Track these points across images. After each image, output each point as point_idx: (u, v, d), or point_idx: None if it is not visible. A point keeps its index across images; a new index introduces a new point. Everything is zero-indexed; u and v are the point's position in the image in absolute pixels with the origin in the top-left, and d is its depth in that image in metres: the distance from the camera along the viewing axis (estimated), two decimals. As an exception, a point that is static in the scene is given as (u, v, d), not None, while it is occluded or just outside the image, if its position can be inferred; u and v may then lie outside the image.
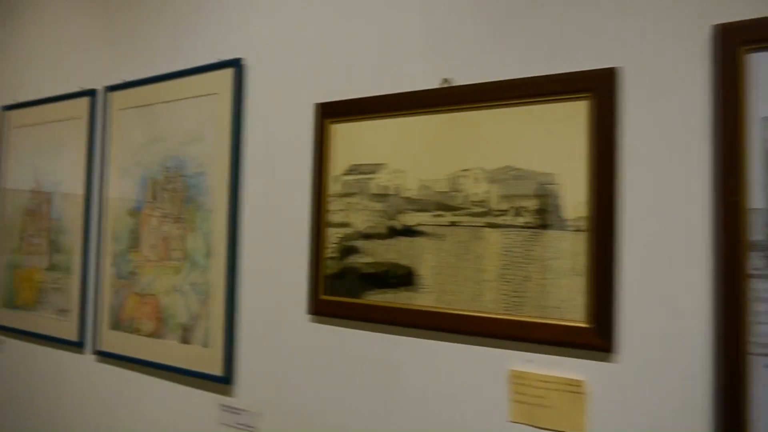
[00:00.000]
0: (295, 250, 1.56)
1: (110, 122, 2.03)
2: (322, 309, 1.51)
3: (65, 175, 2.17)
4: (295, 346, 1.56)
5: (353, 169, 1.48)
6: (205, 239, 1.73)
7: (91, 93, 2.11)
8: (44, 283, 2.21)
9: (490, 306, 1.27)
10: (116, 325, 1.95)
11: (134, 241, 1.92)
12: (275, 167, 1.63)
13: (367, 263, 1.44)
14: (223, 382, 1.67)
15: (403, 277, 1.39)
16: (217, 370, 1.68)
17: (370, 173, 1.45)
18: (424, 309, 1.35)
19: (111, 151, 2.02)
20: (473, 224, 1.30)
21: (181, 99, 1.83)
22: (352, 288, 1.46)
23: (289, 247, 1.58)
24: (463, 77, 1.34)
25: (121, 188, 1.98)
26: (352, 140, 1.49)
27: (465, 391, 1.30)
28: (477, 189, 1.30)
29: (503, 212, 1.27)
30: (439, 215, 1.35)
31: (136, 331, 1.89)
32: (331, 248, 1.50)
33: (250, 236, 1.66)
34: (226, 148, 1.70)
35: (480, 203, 1.30)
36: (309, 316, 1.53)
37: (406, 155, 1.40)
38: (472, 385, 1.29)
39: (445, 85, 1.37)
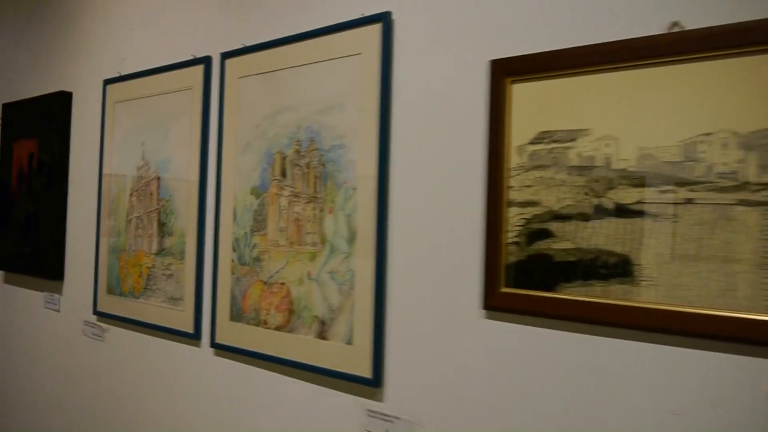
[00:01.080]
0: (462, 233, 1.34)
1: (228, 92, 1.84)
2: (501, 303, 1.28)
3: (176, 152, 2.00)
4: (463, 346, 1.33)
5: (543, 137, 1.23)
6: (347, 221, 1.51)
7: (204, 61, 1.92)
8: (153, 268, 2.05)
9: (745, 304, 1.01)
10: (237, 316, 1.76)
11: (259, 223, 1.73)
12: (435, 137, 1.40)
13: (563, 249, 1.19)
14: (370, 384, 1.46)
15: (616, 267, 1.14)
16: (363, 370, 1.47)
17: (567, 141, 1.20)
18: (647, 306, 1.11)
19: (229, 124, 1.83)
20: (720, 201, 1.04)
21: (314, 62, 1.63)
22: (542, 279, 1.22)
23: (455, 231, 1.35)
24: (697, 20, 1.07)
25: (241, 165, 1.78)
26: (541, 102, 1.24)
27: (705, 411, 1.04)
28: (725, 158, 1.04)
29: (764, 186, 1.00)
30: (668, 191, 1.09)
31: (261, 323, 1.70)
32: (513, 231, 1.26)
33: (403, 217, 1.44)
34: (372, 117, 1.48)
35: (729, 175, 1.03)
36: (483, 312, 1.30)
37: (618, 118, 1.15)
38: (718, 405, 1.03)
39: (675, 30, 1.11)
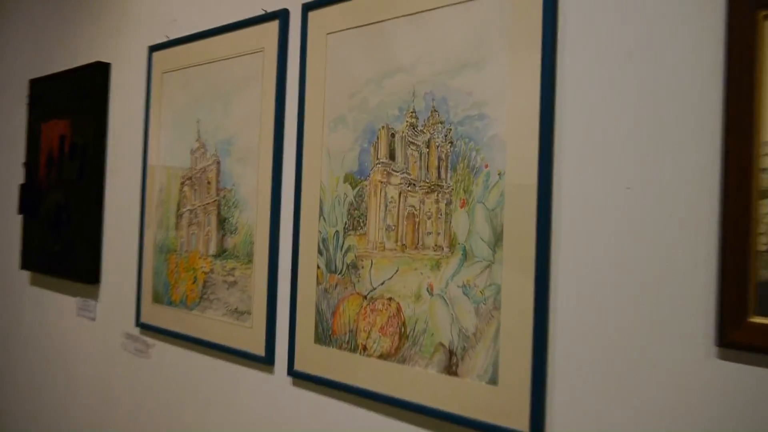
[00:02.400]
0: (681, 235, 0.93)
1: (312, 53, 1.45)
2: (750, 339, 0.88)
3: (241, 130, 1.61)
4: (679, 399, 0.96)
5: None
6: (489, 218, 1.11)
7: (280, 15, 1.52)
8: (212, 274, 1.66)
9: None
10: (325, 337, 1.37)
11: (356, 219, 1.33)
12: (635, 98, 0.99)
13: None
14: (525, 440, 1.05)
15: None
16: (515, 420, 1.08)
17: None
18: None
19: (313, 93, 1.44)
20: None
21: (438, 7, 1.21)
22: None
23: (669, 232, 0.95)
24: None
25: (331, 145, 1.39)
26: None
27: None
28: None
29: None
30: None
31: (359, 349, 1.31)
32: (773, 235, 0.84)
33: (578, 212, 1.06)
34: (529, 75, 1.08)
35: None
36: (717, 350, 0.89)
37: None
38: None
39: None
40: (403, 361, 1.27)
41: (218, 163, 1.71)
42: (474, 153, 1.18)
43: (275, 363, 1.55)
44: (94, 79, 2.16)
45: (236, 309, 1.64)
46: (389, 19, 1.33)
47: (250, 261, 1.60)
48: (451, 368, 1.20)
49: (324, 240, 1.43)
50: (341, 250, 1.40)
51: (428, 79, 1.26)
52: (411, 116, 1.28)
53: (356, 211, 1.37)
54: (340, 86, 1.42)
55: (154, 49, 1.96)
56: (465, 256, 1.18)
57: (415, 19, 1.28)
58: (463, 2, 1.20)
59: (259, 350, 1.57)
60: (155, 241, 1.91)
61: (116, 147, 2.12)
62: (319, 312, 1.44)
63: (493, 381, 1.13)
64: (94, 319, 2.18)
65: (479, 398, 1.15)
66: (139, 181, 1.98)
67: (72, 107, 2.25)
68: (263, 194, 1.57)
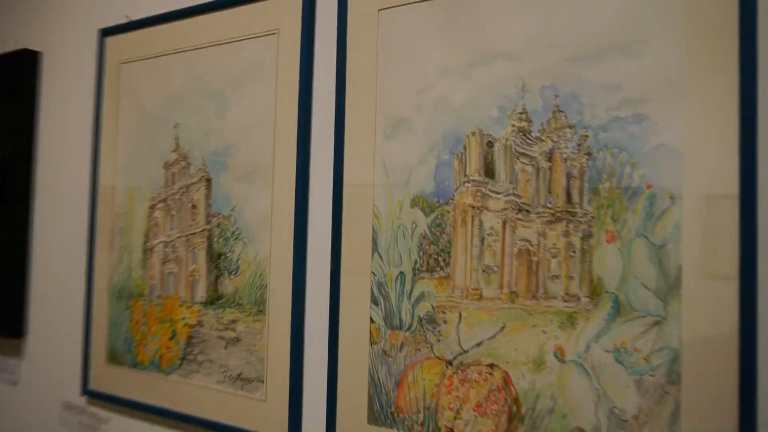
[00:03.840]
0: None
1: (356, 35, 1.08)
2: None
3: (244, 138, 1.23)
4: None
5: None
6: (656, 258, 0.80)
7: None
8: (200, 327, 1.25)
9: None
10: (384, 417, 1.02)
11: (432, 257, 0.97)
12: None
13: None
14: None
15: None
16: None
17: None
18: None
19: (358, 86, 1.07)
20: None
21: None
22: None
23: None
24: None
25: (389, 156, 1.04)
26: None
27: None
28: None
29: None
30: None
31: None
32: None
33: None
34: (719, 61, 0.76)
35: None
36: None
37: None
38: None
39: None
40: (515, 452, 0.91)
41: (208, 180, 1.30)
42: (628, 168, 0.85)
43: (303, 449, 1.14)
44: (16, 73, 1.66)
45: (239, 375, 1.22)
46: (474, -10, 0.98)
47: (261, 311, 1.20)
48: (601, 464, 0.85)
49: (381, 285, 1.06)
50: (409, 299, 1.03)
51: (547, 68, 0.93)
52: (520, 118, 0.95)
53: (432, 247, 1.01)
54: (402, 78, 1.06)
55: (106, 33, 1.52)
56: (617, 309, 0.86)
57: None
58: (606, -36, 0.88)
59: (279, 430, 1.15)
60: (111, 282, 1.45)
61: (50, 160, 1.64)
62: (374, 382, 1.06)
63: (673, 485, 0.80)
64: (15, 383, 1.66)
65: None
66: (86, 203, 1.53)
67: (-15, 108, 1.73)
68: (281, 222, 1.18)
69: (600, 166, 0.89)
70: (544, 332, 0.92)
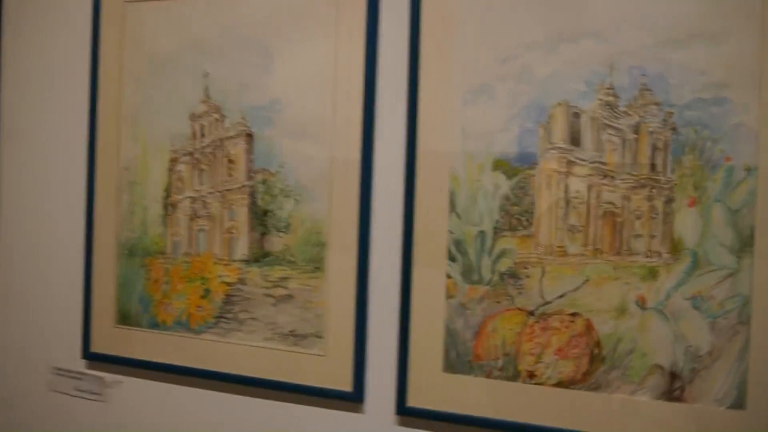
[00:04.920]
0: None
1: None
2: None
3: (294, 93, 1.23)
4: None
5: None
6: (733, 220, 0.99)
7: None
8: (242, 285, 1.26)
9: None
10: (460, 364, 1.14)
11: (514, 217, 1.08)
12: None
13: None
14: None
15: None
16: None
17: None
18: None
19: (434, 50, 1.14)
20: None
21: None
22: None
23: None
24: None
25: (468, 120, 1.12)
26: None
27: None
28: None
29: None
30: None
31: (522, 376, 1.10)
32: None
33: None
34: None
35: None
36: None
37: None
38: None
39: None
40: (595, 387, 1.07)
41: (248, 135, 1.27)
42: (709, 143, 1.01)
43: (365, 399, 1.21)
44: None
45: (292, 332, 1.25)
46: (572, -35, 1.07)
47: (318, 269, 1.23)
48: (672, 393, 1.04)
49: (458, 242, 1.15)
50: (490, 255, 1.13)
51: (635, 49, 1.05)
52: (606, 93, 1.06)
53: (515, 207, 1.11)
54: (483, 47, 1.13)
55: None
56: (696, 263, 1.02)
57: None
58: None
59: (341, 384, 1.22)
60: (118, 239, 1.37)
61: (21, 105, 1.47)
62: (450, 333, 1.15)
63: (738, 405, 1.00)
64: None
65: (717, 425, 1.01)
66: (81, 155, 1.41)
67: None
68: (343, 181, 1.21)
69: (683, 141, 1.03)
70: (627, 284, 1.06)
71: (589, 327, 1.08)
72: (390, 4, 1.19)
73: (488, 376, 1.14)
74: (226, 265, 1.30)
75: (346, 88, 1.21)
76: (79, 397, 1.43)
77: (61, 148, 1.43)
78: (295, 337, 1.26)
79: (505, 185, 1.12)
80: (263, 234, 1.27)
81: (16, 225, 1.49)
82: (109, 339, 1.40)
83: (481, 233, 1.14)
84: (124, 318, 1.39)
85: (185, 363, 1.34)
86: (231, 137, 1.29)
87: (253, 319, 1.28)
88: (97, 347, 1.41)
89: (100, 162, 1.39)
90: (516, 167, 1.11)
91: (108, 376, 1.41)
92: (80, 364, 1.43)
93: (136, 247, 1.37)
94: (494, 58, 1.13)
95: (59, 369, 1.45)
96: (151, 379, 1.38)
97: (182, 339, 1.34)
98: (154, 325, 1.36)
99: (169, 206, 1.35)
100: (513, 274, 1.12)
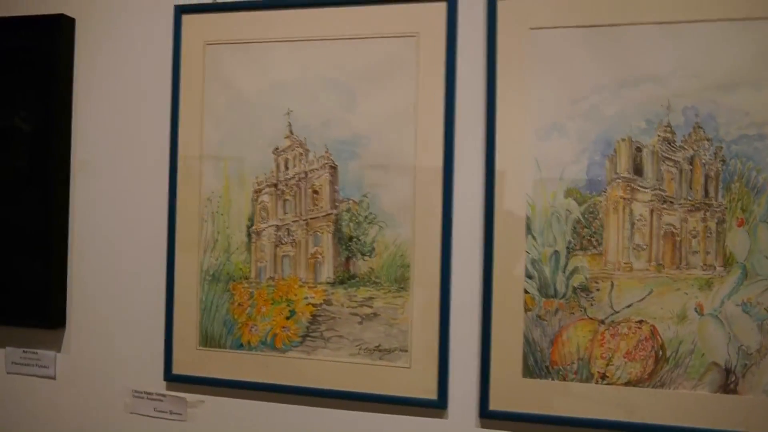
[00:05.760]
0: None
1: (507, 48, 1.33)
2: None
3: (378, 129, 1.39)
4: None
5: None
6: None
7: None
8: (327, 306, 1.39)
9: None
10: (538, 370, 1.31)
11: (585, 238, 1.26)
12: None
13: None
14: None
15: None
16: (811, 430, 1.17)
17: None
18: None
19: (510, 93, 1.32)
20: None
21: (701, 20, 1.24)
22: None
23: None
24: None
25: (542, 154, 1.30)
26: None
27: None
28: None
29: None
30: None
31: (595, 377, 1.28)
32: None
33: None
34: None
35: None
36: None
37: None
38: None
39: None
40: (660, 385, 1.25)
41: (333, 167, 1.41)
42: (754, 173, 1.21)
43: (448, 405, 1.36)
44: (48, 41, 1.55)
45: (377, 347, 1.39)
46: (630, 24, 1.27)
47: (402, 288, 1.37)
48: (727, 387, 1.22)
49: (535, 261, 1.31)
50: (564, 272, 1.30)
51: (688, 93, 1.25)
52: (665, 130, 1.26)
53: (585, 230, 1.29)
54: (555, 90, 1.31)
55: (184, 10, 1.50)
56: (745, 274, 1.22)
57: (669, 29, 1.26)
58: (740, 20, 1.22)
59: (425, 393, 1.37)
60: (202, 266, 1.48)
61: (95, 138, 1.56)
62: (528, 342, 1.31)
63: (786, 395, 1.19)
64: (53, 378, 1.59)
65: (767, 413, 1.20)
66: (162, 190, 1.50)
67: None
68: (426, 208, 1.36)
69: (731, 170, 1.23)
70: (686, 294, 1.25)
71: (653, 332, 1.25)
72: (467, 47, 1.35)
73: (564, 379, 1.30)
74: (311, 287, 1.42)
75: (427, 124, 1.36)
76: (159, 417, 1.50)
77: (142, 180, 1.52)
78: (380, 351, 1.38)
79: (576, 210, 1.29)
80: (348, 258, 1.40)
81: (90, 252, 1.56)
82: (192, 361, 1.48)
83: (556, 253, 1.30)
84: (207, 340, 1.48)
85: (270, 380, 1.44)
86: (315, 169, 1.42)
87: (339, 336, 1.41)
88: (178, 369, 1.49)
89: (181, 193, 1.49)
90: (586, 194, 1.29)
91: (190, 396, 1.49)
92: (161, 386, 1.50)
93: (219, 273, 1.47)
94: (566, 99, 1.30)
95: (138, 391, 1.52)
96: (234, 397, 1.47)
97: (267, 358, 1.44)
98: (239, 346, 1.46)
99: (253, 234, 1.46)
100: (585, 288, 1.29)
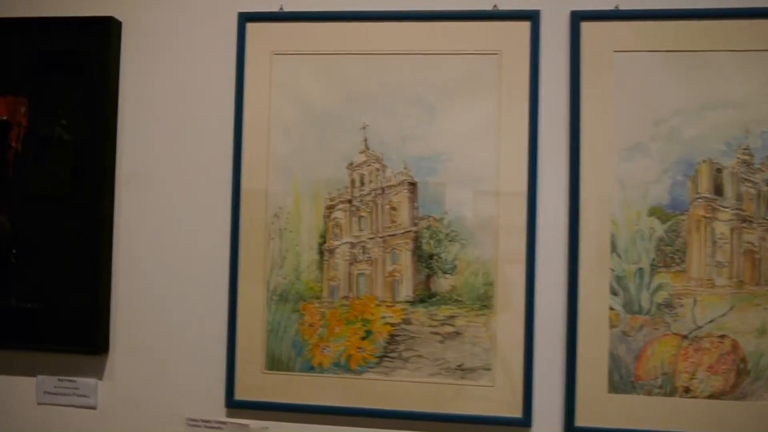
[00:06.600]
0: None
1: (591, 70, 1.37)
2: None
3: (459, 146, 1.39)
4: None
5: None
6: None
7: (532, 17, 1.37)
8: (406, 325, 1.38)
9: None
10: (623, 385, 1.35)
11: (669, 256, 1.32)
12: None
13: None
14: None
15: None
16: None
17: None
18: None
19: (594, 115, 1.36)
20: None
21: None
22: None
23: None
24: None
25: (625, 174, 1.35)
26: None
27: None
28: None
29: None
30: None
31: (679, 391, 1.33)
32: None
33: None
34: None
35: None
36: None
37: None
38: None
39: None
40: (742, 397, 1.32)
41: (412, 184, 1.40)
42: (830, 196, 1.30)
43: (532, 423, 1.37)
44: (94, 44, 1.46)
45: (460, 366, 1.39)
46: (710, 51, 1.34)
47: (485, 306, 1.38)
48: (807, 397, 1.30)
49: (619, 279, 1.35)
50: (648, 289, 1.34)
51: (766, 117, 1.32)
52: (743, 153, 1.33)
53: (668, 248, 1.34)
54: (637, 112, 1.36)
55: (249, 18, 1.45)
56: (820, 289, 1.30)
57: (747, 56, 1.33)
58: (813, 50, 1.31)
59: (511, 411, 1.38)
60: (268, 286, 1.43)
61: (143, 149, 1.48)
62: (614, 358, 1.35)
63: None
64: (94, 408, 1.48)
65: (841, 420, 1.29)
66: (225, 203, 1.44)
67: (31, 79, 1.47)
68: (509, 225, 1.38)
69: (807, 192, 1.31)
70: (765, 309, 1.32)
71: (735, 346, 1.31)
72: (549, 66, 1.37)
73: (648, 393, 1.33)
74: (389, 306, 1.39)
75: (510, 142, 1.37)
76: (221, 447, 1.43)
77: (199, 194, 1.45)
78: (462, 371, 1.38)
79: (659, 229, 1.34)
80: (428, 276, 1.39)
81: (137, 271, 1.47)
82: (257, 385, 1.42)
83: (640, 270, 1.34)
84: (274, 363, 1.42)
85: (344, 403, 1.40)
86: (393, 186, 1.40)
87: (419, 356, 1.39)
88: (242, 394, 1.43)
89: (245, 210, 1.43)
90: (669, 213, 1.34)
91: (253, 423, 1.42)
92: (221, 413, 1.43)
93: (288, 293, 1.42)
94: (648, 122, 1.35)
95: (194, 419, 1.44)
96: (302, 422, 1.42)
97: (341, 380, 1.40)
98: (309, 369, 1.41)
99: (325, 252, 1.42)
100: (669, 304, 1.33)
